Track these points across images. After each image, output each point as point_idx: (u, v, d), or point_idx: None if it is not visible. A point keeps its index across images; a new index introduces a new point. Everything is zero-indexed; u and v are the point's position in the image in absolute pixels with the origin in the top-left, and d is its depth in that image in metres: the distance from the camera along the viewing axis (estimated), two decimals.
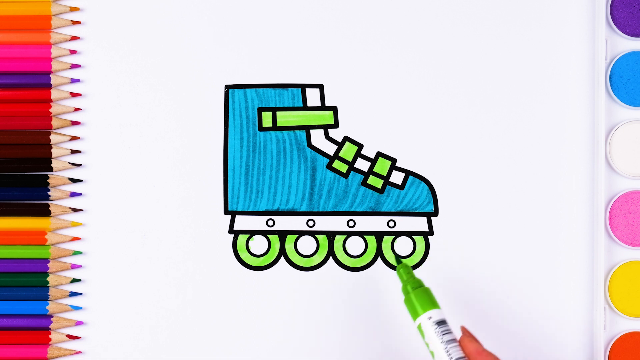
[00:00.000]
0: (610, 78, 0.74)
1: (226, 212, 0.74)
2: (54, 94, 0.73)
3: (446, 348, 0.65)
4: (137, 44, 0.74)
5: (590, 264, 0.73)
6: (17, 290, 0.73)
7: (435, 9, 0.74)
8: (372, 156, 0.74)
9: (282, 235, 0.74)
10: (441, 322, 0.66)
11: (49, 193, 0.73)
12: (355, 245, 0.74)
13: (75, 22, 0.74)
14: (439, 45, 0.74)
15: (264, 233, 0.74)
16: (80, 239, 0.74)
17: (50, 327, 0.73)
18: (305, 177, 0.74)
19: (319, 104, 0.74)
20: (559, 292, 0.73)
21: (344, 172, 0.74)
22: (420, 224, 0.74)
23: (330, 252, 0.74)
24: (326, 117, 0.74)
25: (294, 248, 0.74)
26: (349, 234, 0.74)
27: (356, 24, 0.74)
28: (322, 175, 0.74)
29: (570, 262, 0.73)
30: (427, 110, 0.74)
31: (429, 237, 0.74)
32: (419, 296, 0.67)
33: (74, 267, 0.73)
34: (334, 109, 0.74)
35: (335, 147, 0.74)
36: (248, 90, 0.74)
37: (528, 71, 0.74)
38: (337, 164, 0.74)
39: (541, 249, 0.73)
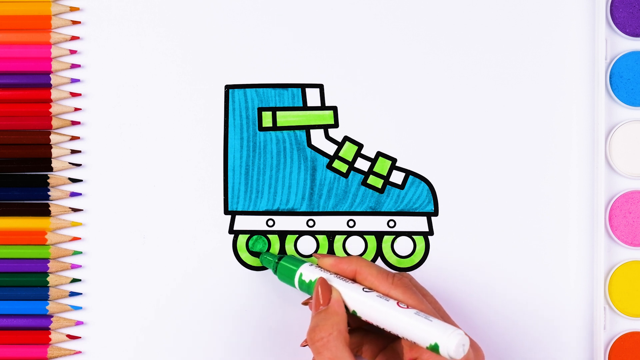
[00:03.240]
0: (610, 78, 0.74)
1: (226, 212, 0.74)
2: (54, 94, 0.73)
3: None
4: (137, 43, 0.74)
5: (590, 264, 0.73)
6: (17, 290, 0.73)
7: (435, 9, 0.74)
8: (372, 156, 0.74)
9: (282, 235, 0.74)
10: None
11: (49, 193, 0.73)
12: (355, 245, 0.74)
13: (75, 22, 0.74)
14: (439, 46, 0.74)
15: (264, 233, 0.74)
16: (80, 239, 0.74)
17: (50, 327, 0.73)
18: (305, 177, 0.74)
19: (319, 104, 0.74)
20: (559, 292, 0.73)
21: (344, 172, 0.74)
22: (420, 223, 0.74)
23: (330, 252, 0.74)
24: (326, 117, 0.74)
25: (294, 248, 0.74)
26: (349, 234, 0.74)
27: (356, 24, 0.74)
28: (322, 175, 0.74)
29: (570, 262, 0.74)
30: (427, 110, 0.74)
31: (429, 237, 0.74)
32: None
33: (74, 267, 0.73)
34: (334, 109, 0.74)
35: (335, 147, 0.74)
36: (248, 90, 0.74)
37: (528, 71, 0.74)
38: (337, 164, 0.74)
39: (541, 248, 0.73)
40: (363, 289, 0.65)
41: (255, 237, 0.74)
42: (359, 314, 0.65)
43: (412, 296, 0.64)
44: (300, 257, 0.71)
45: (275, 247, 0.74)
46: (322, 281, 0.66)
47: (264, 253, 0.73)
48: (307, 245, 0.74)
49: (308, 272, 0.68)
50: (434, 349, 0.60)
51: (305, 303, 0.70)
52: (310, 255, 0.73)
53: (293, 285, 0.69)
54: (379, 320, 0.63)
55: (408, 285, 0.65)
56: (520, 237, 0.74)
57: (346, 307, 0.65)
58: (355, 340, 0.68)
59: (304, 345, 0.69)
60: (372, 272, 0.66)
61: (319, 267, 0.68)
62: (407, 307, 0.62)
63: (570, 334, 0.73)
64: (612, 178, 0.74)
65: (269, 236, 0.74)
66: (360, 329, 0.68)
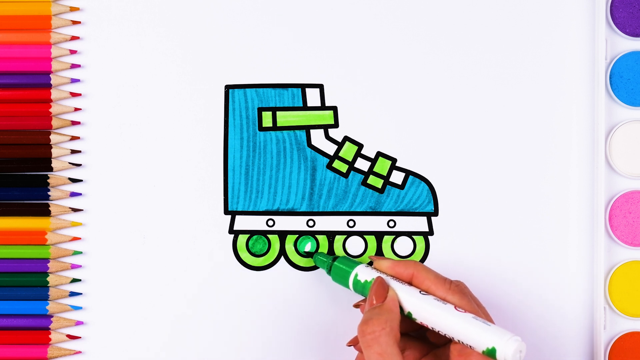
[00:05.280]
0: (610, 78, 0.74)
1: (226, 212, 0.74)
2: (54, 94, 0.73)
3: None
4: (137, 43, 0.74)
5: (590, 264, 0.73)
6: (17, 290, 0.73)
7: (435, 9, 0.74)
8: (372, 156, 0.74)
9: (282, 235, 0.74)
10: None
11: (49, 193, 0.73)
12: (355, 245, 0.74)
13: (75, 22, 0.74)
14: (439, 46, 0.74)
15: (264, 233, 0.74)
16: (80, 239, 0.74)
17: (50, 327, 0.73)
18: (305, 177, 0.74)
19: (319, 104, 0.74)
20: (559, 292, 0.73)
21: (344, 172, 0.74)
22: (420, 224, 0.74)
23: (331, 252, 0.74)
24: (326, 117, 0.74)
25: (294, 248, 0.74)
26: (349, 234, 0.74)
27: (356, 24, 0.74)
28: (322, 175, 0.74)
29: (570, 262, 0.74)
30: (427, 110, 0.74)
31: (429, 237, 0.74)
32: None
33: (74, 267, 0.73)
34: (334, 109, 0.74)
35: (335, 147, 0.74)
36: (248, 90, 0.74)
37: (528, 71, 0.74)
38: (337, 164, 0.74)
39: (541, 248, 0.73)
40: (420, 292, 0.66)
41: (255, 237, 0.74)
42: (414, 315, 0.65)
43: (469, 303, 0.65)
44: (353, 259, 0.71)
45: (275, 247, 0.74)
46: (380, 280, 0.66)
47: (317, 253, 0.73)
48: (307, 245, 0.74)
49: (364, 273, 0.68)
50: (491, 353, 0.60)
51: (356, 305, 0.70)
52: (357, 257, 0.74)
53: (347, 285, 0.69)
54: (435, 323, 0.64)
55: (465, 291, 0.66)
56: (520, 237, 0.74)
57: (401, 309, 0.65)
58: (400, 344, 0.68)
59: (350, 345, 0.69)
60: (430, 277, 0.66)
61: (375, 268, 0.68)
62: (465, 312, 0.63)
63: (570, 334, 0.73)
64: (612, 178, 0.74)
65: (269, 236, 0.74)
66: (404, 335, 0.68)
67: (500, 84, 0.74)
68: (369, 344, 0.62)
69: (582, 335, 0.73)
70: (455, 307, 0.64)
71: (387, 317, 0.63)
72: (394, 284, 0.66)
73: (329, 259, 0.71)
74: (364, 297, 0.69)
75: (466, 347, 0.63)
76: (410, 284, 0.67)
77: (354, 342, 0.69)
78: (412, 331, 0.68)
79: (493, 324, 0.64)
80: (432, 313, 0.64)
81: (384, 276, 0.67)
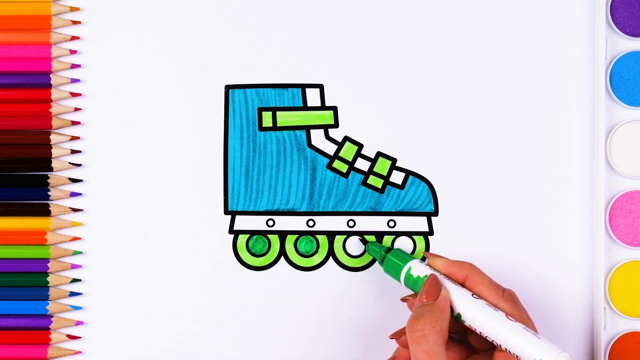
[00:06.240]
0: (610, 78, 0.74)
1: (226, 212, 0.74)
2: (54, 94, 0.73)
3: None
4: (137, 43, 0.74)
5: (590, 264, 0.73)
6: (17, 290, 0.73)
7: (435, 9, 0.74)
8: (372, 156, 0.74)
9: (282, 235, 0.74)
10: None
11: (49, 193, 0.73)
12: (355, 245, 0.74)
13: (75, 22, 0.74)
14: (439, 45, 0.74)
15: (264, 233, 0.74)
16: (80, 239, 0.74)
17: (50, 327, 0.73)
18: (305, 177, 0.74)
19: (319, 104, 0.74)
20: (559, 292, 0.73)
21: (344, 172, 0.74)
22: (420, 223, 0.74)
23: (330, 252, 0.74)
24: (326, 117, 0.74)
25: (294, 248, 0.74)
26: (349, 234, 0.74)
27: (356, 24, 0.74)
28: (322, 175, 0.74)
29: (570, 262, 0.73)
30: (427, 110, 0.74)
31: (429, 237, 0.74)
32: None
33: (74, 267, 0.73)
34: (334, 109, 0.74)
35: (335, 147, 0.74)
36: (248, 90, 0.74)
37: (528, 71, 0.74)
38: (337, 164, 0.74)
39: (541, 249, 0.73)
40: (472, 295, 0.66)
41: (255, 237, 0.74)
42: (464, 317, 0.65)
43: (520, 313, 0.65)
44: (407, 252, 0.71)
45: (275, 247, 0.74)
46: (434, 278, 0.66)
47: (370, 242, 0.72)
48: (307, 245, 0.74)
49: (417, 269, 0.68)
50: None
51: (404, 299, 0.69)
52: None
53: (398, 278, 0.69)
54: (485, 328, 0.64)
55: (517, 301, 0.66)
56: (520, 237, 0.74)
57: (451, 310, 0.65)
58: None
59: (393, 338, 0.69)
60: (484, 282, 0.66)
61: (429, 265, 0.68)
62: (516, 321, 0.63)
63: (571, 334, 0.73)
64: (612, 178, 0.74)
65: (269, 236, 0.74)
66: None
67: (500, 84, 0.74)
68: (417, 341, 0.62)
69: (582, 335, 0.73)
70: (506, 315, 0.64)
71: (439, 317, 0.63)
72: (447, 284, 0.66)
73: (382, 249, 0.71)
74: (412, 292, 0.69)
75: (511, 356, 0.63)
76: (462, 285, 0.67)
77: (398, 336, 0.68)
78: (454, 333, 0.68)
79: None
80: (483, 318, 0.64)
81: (437, 274, 0.67)
